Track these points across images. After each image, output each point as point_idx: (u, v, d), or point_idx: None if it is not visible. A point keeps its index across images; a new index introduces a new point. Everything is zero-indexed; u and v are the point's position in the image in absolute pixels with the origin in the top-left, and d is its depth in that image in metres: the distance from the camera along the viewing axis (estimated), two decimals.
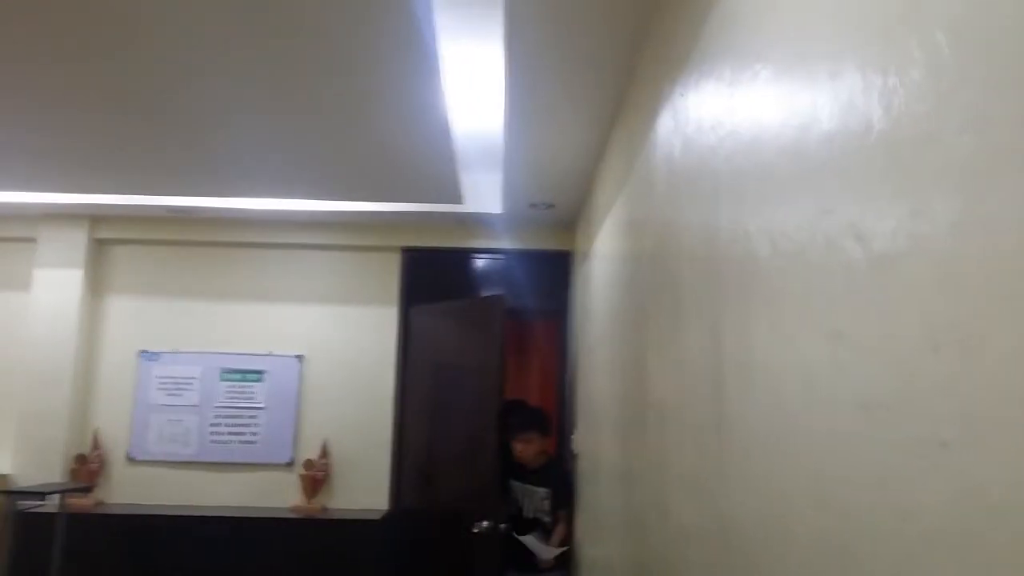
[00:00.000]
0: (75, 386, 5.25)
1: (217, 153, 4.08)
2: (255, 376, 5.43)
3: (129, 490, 5.27)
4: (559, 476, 4.26)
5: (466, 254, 5.60)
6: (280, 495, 5.26)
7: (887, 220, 0.89)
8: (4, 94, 3.34)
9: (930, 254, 0.79)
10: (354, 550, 4.86)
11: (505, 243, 5.44)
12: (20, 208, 5.21)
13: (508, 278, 5.49)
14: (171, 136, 3.82)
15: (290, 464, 5.33)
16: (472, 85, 3.14)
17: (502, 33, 2.59)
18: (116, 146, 3.97)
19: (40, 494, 4.61)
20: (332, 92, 3.26)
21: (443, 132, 3.58)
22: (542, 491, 4.19)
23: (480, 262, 5.65)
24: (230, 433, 5.37)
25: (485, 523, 3.99)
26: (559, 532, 4.11)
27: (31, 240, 5.38)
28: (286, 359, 5.45)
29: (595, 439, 3.88)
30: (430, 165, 4.08)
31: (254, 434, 5.37)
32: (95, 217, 5.40)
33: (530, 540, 4.07)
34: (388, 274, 5.53)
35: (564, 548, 4.13)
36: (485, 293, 5.42)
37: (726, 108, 1.60)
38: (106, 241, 5.51)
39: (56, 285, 5.31)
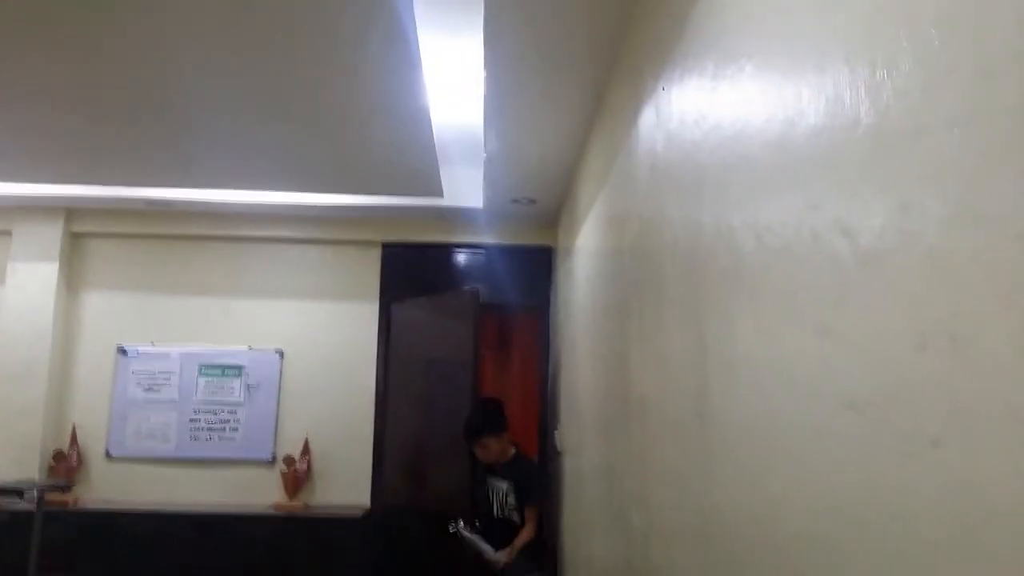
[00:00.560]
0: (52, 381, 5.18)
1: (195, 145, 4.03)
2: (234, 371, 5.38)
3: (108, 487, 5.20)
4: (521, 469, 4.03)
5: (447, 249, 5.57)
6: (261, 492, 5.21)
7: (875, 215, 0.88)
8: None
9: (918, 249, 0.78)
10: (336, 547, 4.83)
11: (486, 238, 5.42)
12: None
13: (489, 273, 5.46)
14: (149, 126, 3.76)
15: (271, 461, 5.29)
16: (452, 79, 3.11)
17: (482, 27, 2.57)
18: (93, 136, 3.91)
19: (17, 491, 4.54)
20: (312, 85, 3.23)
21: (423, 126, 3.55)
22: (505, 485, 4.02)
23: (461, 257, 5.62)
24: (210, 429, 5.31)
25: (462, 522, 3.94)
26: (524, 534, 3.87)
27: (6, 233, 5.29)
28: (266, 354, 5.40)
29: (578, 435, 3.87)
30: (410, 158, 4.05)
31: (234, 430, 5.32)
32: (71, 210, 5.32)
33: (476, 539, 3.93)
34: (368, 269, 5.49)
35: (523, 546, 3.85)
36: (465, 288, 5.40)
37: (710, 102, 1.59)
38: (82, 234, 5.43)
39: (31, 279, 5.22)
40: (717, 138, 1.53)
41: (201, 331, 5.41)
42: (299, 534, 4.88)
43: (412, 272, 5.48)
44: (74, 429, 5.20)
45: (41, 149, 4.14)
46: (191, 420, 5.30)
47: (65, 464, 5.08)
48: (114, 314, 5.41)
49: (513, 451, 4.06)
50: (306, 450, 5.25)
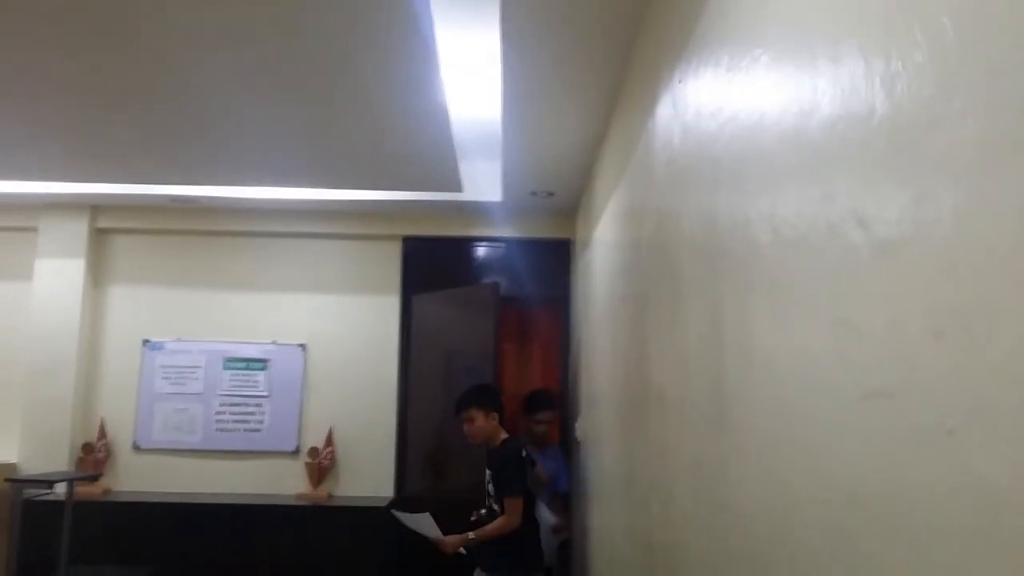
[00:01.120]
0: (79, 376, 5.26)
1: (217, 141, 4.07)
2: (259, 365, 5.44)
3: (135, 478, 5.29)
4: (501, 457, 3.79)
5: (467, 242, 5.59)
6: (286, 483, 5.28)
7: (890, 206, 0.88)
8: (5, 84, 3.33)
9: (933, 240, 0.78)
10: (360, 536, 4.88)
11: (506, 231, 5.43)
12: (22, 198, 5.20)
13: (509, 266, 5.48)
14: (171, 125, 3.80)
15: (295, 452, 5.35)
16: (469, 73, 3.12)
17: (498, 22, 2.57)
18: (117, 135, 3.96)
19: (47, 482, 4.63)
20: (332, 84, 3.25)
21: (442, 120, 3.57)
22: (489, 474, 3.84)
23: (481, 250, 5.64)
24: (235, 421, 5.38)
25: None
26: (494, 524, 3.67)
27: (33, 230, 5.37)
28: (289, 348, 5.45)
29: (598, 426, 3.88)
30: (429, 153, 4.07)
31: (259, 422, 5.39)
32: (96, 207, 5.40)
33: (421, 520, 3.69)
34: (389, 263, 5.53)
35: (490, 537, 3.64)
36: (486, 281, 5.42)
37: (725, 94, 1.59)
38: (107, 230, 5.51)
39: (58, 275, 5.31)
40: (733, 130, 1.53)
41: (225, 326, 5.47)
42: (324, 523, 4.93)
43: (432, 266, 5.50)
44: (102, 422, 5.29)
45: (67, 147, 4.20)
46: (216, 413, 5.37)
47: (93, 456, 5.16)
48: (139, 309, 5.49)
49: (503, 439, 3.88)
50: (330, 441, 5.30)
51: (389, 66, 3.06)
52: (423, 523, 3.75)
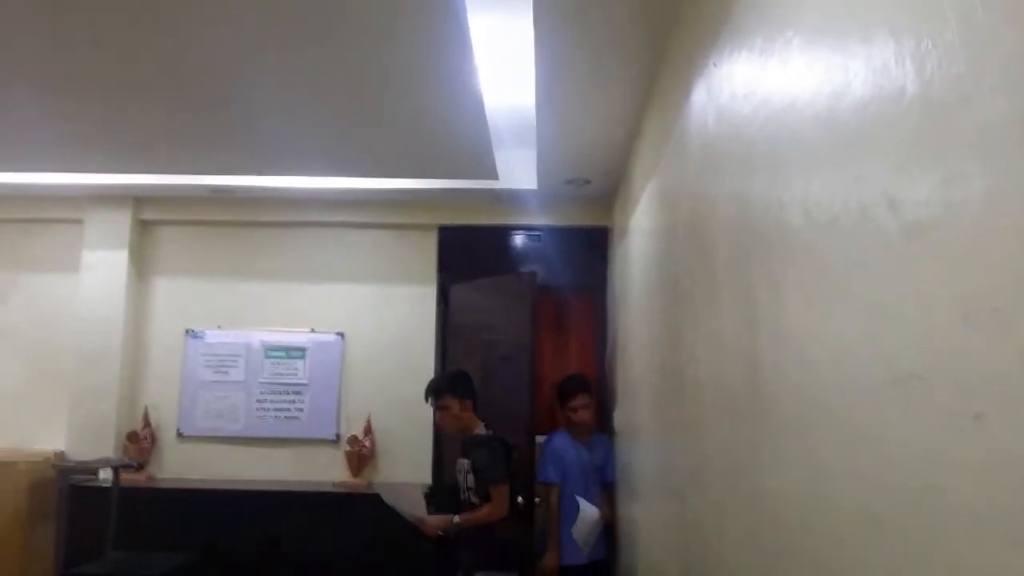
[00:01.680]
0: (124, 364, 5.38)
1: (257, 133, 4.13)
2: (298, 353, 5.51)
3: (179, 465, 5.40)
4: (479, 443, 3.67)
5: (503, 231, 5.58)
6: (326, 470, 5.35)
7: (920, 187, 0.87)
8: (50, 78, 3.42)
9: (962, 222, 0.77)
10: (399, 524, 4.92)
11: (542, 220, 5.41)
12: (68, 190, 5.32)
13: (545, 255, 5.47)
14: (211, 116, 3.86)
15: (335, 440, 5.41)
16: (503, 61, 3.11)
17: (531, 6, 2.56)
18: (159, 127, 4.04)
19: (92, 469, 4.75)
20: (367, 73, 3.27)
21: (476, 108, 3.57)
22: (467, 464, 3.67)
23: (517, 239, 5.63)
24: (276, 409, 5.46)
25: (520, 499, 3.93)
26: (480, 511, 3.55)
27: (78, 222, 5.50)
28: (328, 337, 5.52)
29: (635, 415, 3.87)
30: (464, 141, 4.08)
31: (299, 410, 5.46)
32: (139, 198, 5.50)
33: (410, 494, 3.56)
34: (426, 252, 5.55)
35: (474, 525, 3.53)
36: (522, 270, 5.42)
37: (759, 77, 1.57)
38: (150, 222, 5.61)
39: (104, 266, 5.42)
40: (766, 112, 1.52)
41: (265, 314, 5.55)
42: (364, 510, 4.99)
43: (469, 254, 5.52)
44: (147, 410, 5.41)
45: (111, 140, 4.28)
46: (257, 400, 5.46)
47: (138, 444, 5.28)
48: (182, 299, 5.59)
49: (480, 428, 3.76)
50: (369, 429, 5.36)
51: (424, 56, 3.08)
52: (410, 499, 3.62)
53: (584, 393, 4.59)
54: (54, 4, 2.71)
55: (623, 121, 3.64)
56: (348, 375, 5.49)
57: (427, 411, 5.36)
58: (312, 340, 5.51)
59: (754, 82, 1.60)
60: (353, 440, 5.31)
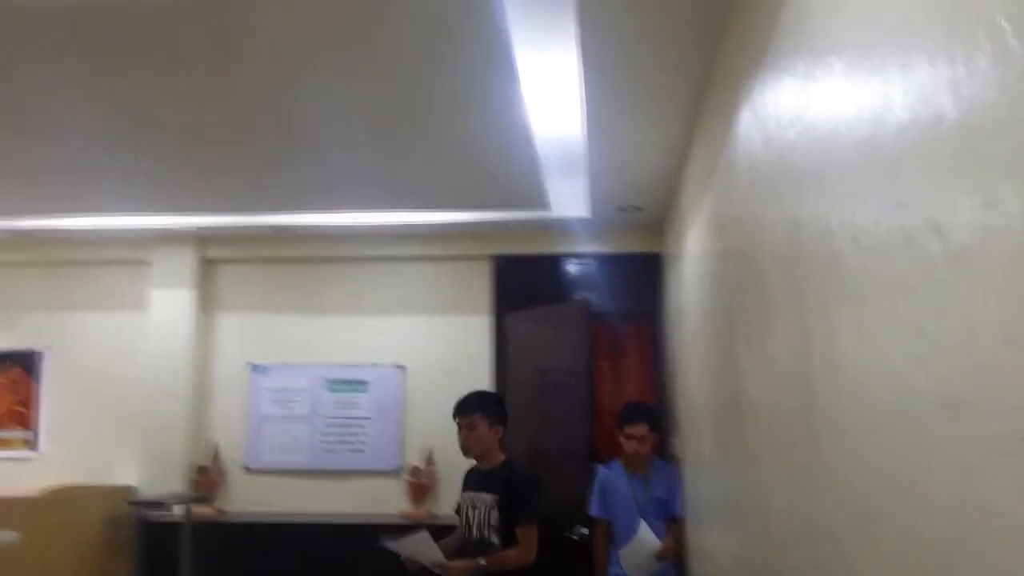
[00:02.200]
0: (192, 400, 5.54)
1: (315, 172, 4.26)
2: (360, 386, 5.61)
3: (247, 498, 5.51)
4: (511, 478, 3.36)
5: (556, 260, 5.62)
6: (388, 501, 5.40)
7: (961, 212, 0.87)
8: (121, 125, 3.58)
9: (1002, 245, 0.77)
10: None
11: (594, 247, 5.43)
12: (135, 232, 5.53)
13: (599, 282, 5.48)
14: (271, 157, 4.01)
15: (397, 471, 5.47)
16: (551, 91, 3.16)
17: (576, 38, 2.61)
18: (221, 168, 4.20)
19: (165, 504, 4.89)
20: (419, 111, 3.36)
21: (526, 139, 3.63)
22: (489, 498, 3.31)
23: (570, 267, 5.66)
24: (339, 442, 5.55)
25: (583, 529, 3.87)
26: (511, 554, 3.23)
27: (147, 264, 5.70)
28: (388, 369, 5.60)
29: (695, 442, 3.83)
30: (515, 172, 4.13)
31: (362, 443, 5.54)
32: (202, 238, 5.69)
33: (418, 541, 3.24)
34: (480, 282, 5.61)
35: (503, 569, 3.21)
36: (577, 298, 5.44)
37: (802, 103, 1.58)
38: (214, 260, 5.80)
39: (171, 304, 5.61)
40: (811, 138, 1.52)
41: (326, 348, 5.66)
42: None
43: (523, 284, 5.55)
44: (216, 445, 5.54)
45: (176, 182, 4.46)
46: (321, 434, 5.55)
47: (207, 478, 5.41)
48: (245, 334, 5.74)
49: (503, 459, 3.48)
50: (430, 460, 5.40)
51: (473, 91, 3.15)
52: (421, 545, 3.28)
53: (641, 423, 4.18)
54: (118, 50, 2.86)
55: (672, 148, 3.66)
56: (409, 407, 5.56)
57: None
58: (373, 373, 5.60)
59: (798, 108, 1.61)
60: (414, 470, 5.35)
